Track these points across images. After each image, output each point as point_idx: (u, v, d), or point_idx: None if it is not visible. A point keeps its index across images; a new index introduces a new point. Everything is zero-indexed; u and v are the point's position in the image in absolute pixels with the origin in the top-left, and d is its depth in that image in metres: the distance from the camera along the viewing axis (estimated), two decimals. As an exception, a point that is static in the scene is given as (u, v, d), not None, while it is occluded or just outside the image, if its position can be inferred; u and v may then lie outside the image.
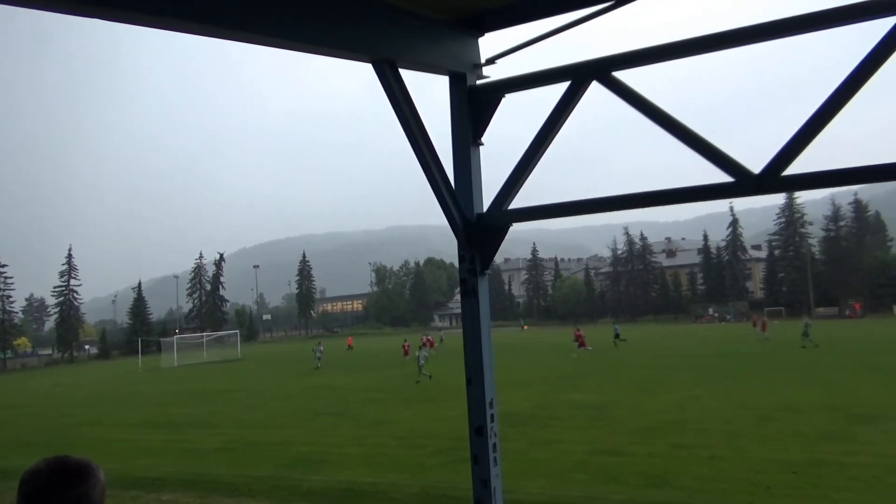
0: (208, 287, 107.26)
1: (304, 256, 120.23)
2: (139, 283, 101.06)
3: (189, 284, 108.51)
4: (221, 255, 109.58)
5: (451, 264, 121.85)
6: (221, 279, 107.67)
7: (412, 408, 21.11)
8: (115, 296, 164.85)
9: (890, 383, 20.39)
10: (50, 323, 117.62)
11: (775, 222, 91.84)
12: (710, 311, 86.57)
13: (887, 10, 3.08)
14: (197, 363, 54.78)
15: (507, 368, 29.07)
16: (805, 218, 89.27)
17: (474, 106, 4.15)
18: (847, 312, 75.14)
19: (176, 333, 72.62)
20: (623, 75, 3.74)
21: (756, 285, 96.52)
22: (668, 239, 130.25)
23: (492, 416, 3.99)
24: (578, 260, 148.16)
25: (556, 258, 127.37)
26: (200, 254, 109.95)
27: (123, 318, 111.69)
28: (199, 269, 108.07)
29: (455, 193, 4.04)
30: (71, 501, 1.61)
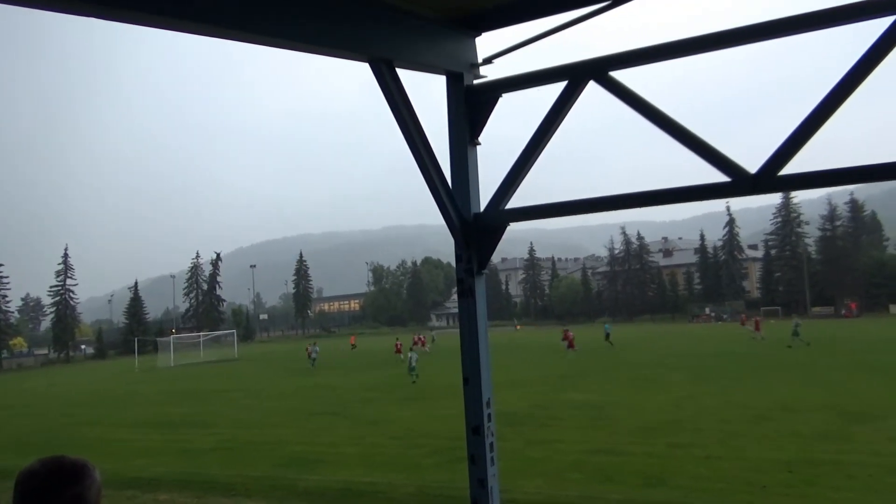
0: (205, 287, 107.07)
1: (300, 256, 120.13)
2: (135, 283, 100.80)
3: (186, 284, 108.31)
4: (218, 255, 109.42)
5: (449, 264, 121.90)
6: (218, 279, 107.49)
7: (409, 407, 21.11)
8: (112, 295, 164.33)
9: (886, 382, 20.46)
10: (46, 323, 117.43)
11: (772, 222, 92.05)
12: (707, 310, 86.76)
13: (883, 11, 3.09)
14: (193, 363, 54.70)
15: (505, 368, 29.08)
16: (801, 218, 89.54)
17: (471, 105, 4.15)
18: (843, 312, 75.33)
19: (172, 333, 72.46)
20: (620, 75, 3.74)
21: (753, 285, 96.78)
22: (665, 238, 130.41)
23: (489, 415, 3.99)
24: (575, 260, 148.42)
25: (553, 258, 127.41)
26: (197, 253, 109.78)
27: (120, 318, 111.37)
28: (195, 269, 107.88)
29: (452, 193, 4.04)
30: (67, 502, 1.60)
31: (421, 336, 55.90)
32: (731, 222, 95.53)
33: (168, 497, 11.79)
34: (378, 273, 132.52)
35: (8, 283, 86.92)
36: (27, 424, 22.80)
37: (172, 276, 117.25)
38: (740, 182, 3.39)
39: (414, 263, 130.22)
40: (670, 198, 3.62)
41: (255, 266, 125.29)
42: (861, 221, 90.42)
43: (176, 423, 20.84)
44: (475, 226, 4.08)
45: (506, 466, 10.37)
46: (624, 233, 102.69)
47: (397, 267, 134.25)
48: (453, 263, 4.24)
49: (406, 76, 3.84)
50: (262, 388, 30.59)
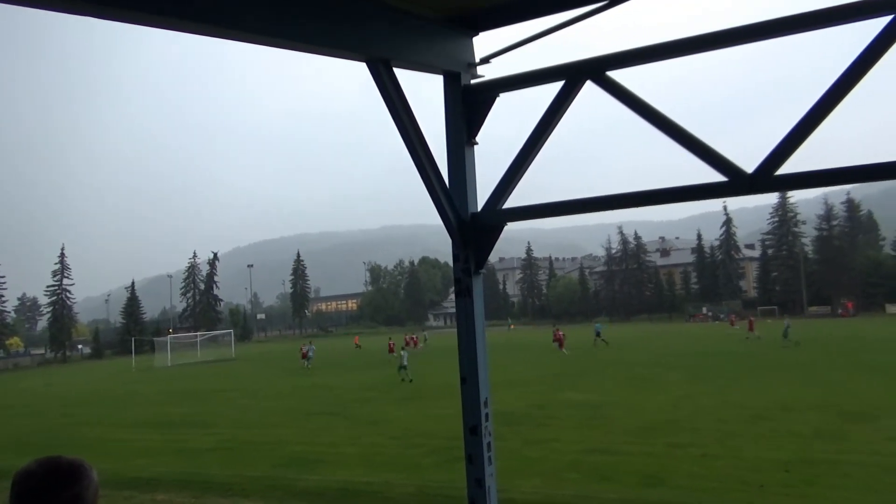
0: (202, 286, 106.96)
1: (298, 256, 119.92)
2: (132, 283, 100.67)
3: (183, 284, 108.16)
4: (215, 255, 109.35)
5: (446, 264, 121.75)
6: (215, 278, 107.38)
7: (407, 407, 21.10)
8: (109, 295, 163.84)
9: (883, 382, 20.50)
10: (42, 322, 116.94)
11: (768, 222, 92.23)
12: (704, 310, 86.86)
13: (879, 11, 3.10)
14: (191, 363, 54.62)
15: (502, 368, 29.09)
16: (798, 217, 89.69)
17: (469, 105, 4.15)
18: (839, 311, 75.53)
19: (170, 333, 72.38)
20: (617, 75, 3.75)
21: (749, 284, 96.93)
22: (662, 238, 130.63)
23: (486, 415, 3.99)
24: (573, 259, 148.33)
25: (550, 257, 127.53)
26: (194, 253, 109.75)
27: (117, 318, 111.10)
28: (192, 269, 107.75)
29: (450, 193, 4.04)
30: (64, 502, 1.59)
31: (413, 336, 56.06)
32: (727, 222, 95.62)
33: (166, 497, 11.77)
34: (376, 273, 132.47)
35: (4, 283, 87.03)
36: (26, 424, 22.76)
37: (169, 276, 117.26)
38: (737, 182, 3.40)
39: (412, 263, 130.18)
40: (667, 197, 3.63)
41: (252, 266, 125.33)
42: (857, 221, 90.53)
43: (175, 423, 20.81)
44: (472, 225, 4.08)
45: (503, 466, 10.38)
46: (621, 232, 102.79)
47: (395, 267, 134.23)
48: (451, 263, 4.24)
49: (403, 76, 3.83)
50: (260, 387, 30.57)
